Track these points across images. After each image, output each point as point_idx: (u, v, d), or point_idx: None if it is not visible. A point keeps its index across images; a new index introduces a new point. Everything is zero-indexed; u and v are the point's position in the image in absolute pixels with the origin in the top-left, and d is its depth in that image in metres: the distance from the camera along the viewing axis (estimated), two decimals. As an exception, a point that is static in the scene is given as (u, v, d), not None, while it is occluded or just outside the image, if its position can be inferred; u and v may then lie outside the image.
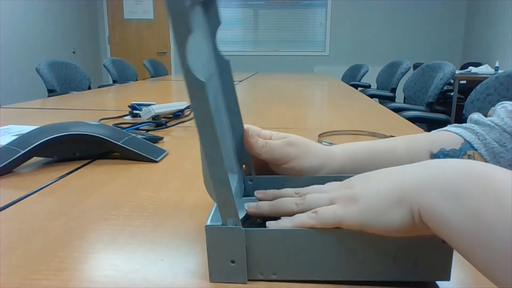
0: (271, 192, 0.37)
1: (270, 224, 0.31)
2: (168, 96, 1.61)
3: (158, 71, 3.93)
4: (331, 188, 0.33)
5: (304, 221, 0.29)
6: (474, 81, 2.85)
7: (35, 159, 0.58)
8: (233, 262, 0.28)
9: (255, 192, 0.37)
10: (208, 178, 0.30)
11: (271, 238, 0.28)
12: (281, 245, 0.28)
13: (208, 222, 0.29)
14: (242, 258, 0.28)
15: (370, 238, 0.27)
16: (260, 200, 0.36)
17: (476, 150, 0.42)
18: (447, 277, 0.28)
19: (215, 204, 0.32)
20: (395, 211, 0.26)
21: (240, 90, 1.82)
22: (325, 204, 0.30)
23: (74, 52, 5.49)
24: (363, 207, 0.28)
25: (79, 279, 0.29)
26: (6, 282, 0.29)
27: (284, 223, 0.30)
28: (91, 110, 1.14)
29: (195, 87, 0.25)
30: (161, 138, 0.74)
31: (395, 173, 0.29)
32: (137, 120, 0.94)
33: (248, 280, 0.29)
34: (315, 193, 0.33)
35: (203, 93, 0.25)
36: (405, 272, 0.28)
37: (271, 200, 0.34)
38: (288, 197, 0.34)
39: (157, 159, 0.60)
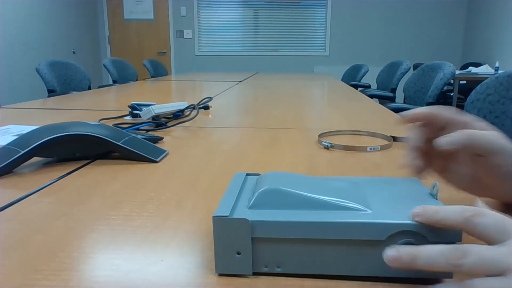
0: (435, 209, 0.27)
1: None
2: (168, 96, 1.61)
3: (158, 71, 3.93)
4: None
5: None
6: (474, 81, 2.85)
7: (35, 159, 0.58)
8: (238, 253, 0.28)
9: (413, 214, 0.27)
10: None
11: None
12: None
13: (216, 213, 0.29)
14: (248, 250, 0.28)
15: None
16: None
17: None
18: (450, 275, 0.28)
19: (224, 196, 0.32)
20: None
21: (240, 90, 1.83)
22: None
23: (74, 52, 5.49)
24: None
25: (79, 279, 0.29)
26: (6, 282, 0.29)
27: None
28: (91, 110, 1.14)
29: None
30: (161, 138, 0.74)
31: None
32: (137, 120, 0.94)
33: (253, 273, 0.29)
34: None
35: None
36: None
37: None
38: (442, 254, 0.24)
39: (157, 159, 0.60)
